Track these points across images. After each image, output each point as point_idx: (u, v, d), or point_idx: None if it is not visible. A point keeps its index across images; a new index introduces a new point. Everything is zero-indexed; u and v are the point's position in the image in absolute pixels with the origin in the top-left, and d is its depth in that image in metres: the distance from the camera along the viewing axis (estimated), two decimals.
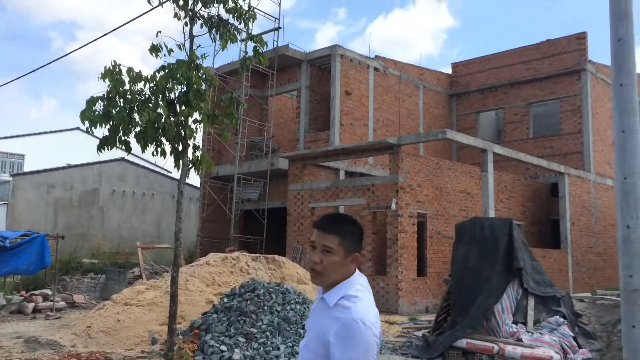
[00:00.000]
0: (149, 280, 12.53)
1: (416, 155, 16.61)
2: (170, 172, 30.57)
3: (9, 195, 23.31)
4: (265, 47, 8.31)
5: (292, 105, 23.90)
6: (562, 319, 8.27)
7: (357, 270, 2.16)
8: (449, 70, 26.49)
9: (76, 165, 25.47)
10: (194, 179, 27.38)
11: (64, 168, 25.19)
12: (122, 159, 26.56)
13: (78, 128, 39.20)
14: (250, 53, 8.21)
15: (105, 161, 25.49)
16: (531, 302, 8.51)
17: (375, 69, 20.97)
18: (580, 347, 8.08)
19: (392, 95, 21.80)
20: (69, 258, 18.69)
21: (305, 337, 2.22)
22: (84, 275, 18.63)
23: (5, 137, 36.67)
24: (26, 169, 34.50)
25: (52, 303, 13.43)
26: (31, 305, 13.26)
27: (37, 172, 24.04)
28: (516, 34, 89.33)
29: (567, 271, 18.96)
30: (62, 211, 24.11)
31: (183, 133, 7.97)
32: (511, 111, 23.99)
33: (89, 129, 7.65)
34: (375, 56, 21.34)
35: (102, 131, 7.95)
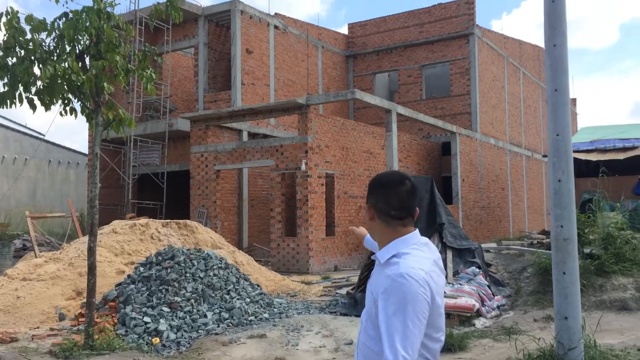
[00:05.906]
0: (46, 253, 11.49)
1: (324, 115, 16.60)
2: (44, 135, 27.89)
3: None
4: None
5: (186, 64, 22.77)
6: (477, 269, 8.81)
7: (417, 230, 2.03)
8: (344, 31, 26.64)
9: None
10: (72, 142, 25.26)
11: None
12: None
13: None
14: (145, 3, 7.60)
15: None
16: (449, 255, 8.95)
17: (276, 27, 20.49)
18: (494, 295, 8.67)
19: (292, 54, 21.50)
20: None
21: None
22: None
23: None
24: None
25: None
26: None
27: None
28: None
29: (459, 224, 20.26)
30: None
31: (96, 89, 7.25)
32: (405, 73, 24.73)
33: None
34: (275, 13, 20.84)
35: None
